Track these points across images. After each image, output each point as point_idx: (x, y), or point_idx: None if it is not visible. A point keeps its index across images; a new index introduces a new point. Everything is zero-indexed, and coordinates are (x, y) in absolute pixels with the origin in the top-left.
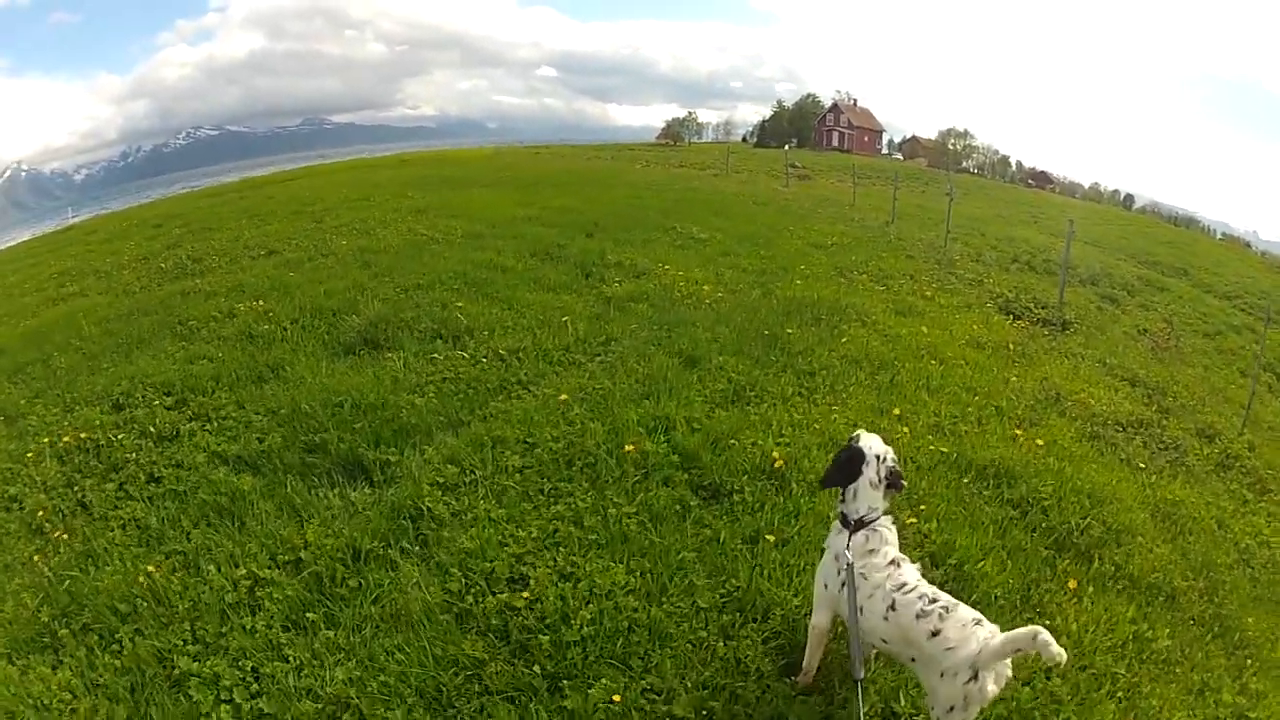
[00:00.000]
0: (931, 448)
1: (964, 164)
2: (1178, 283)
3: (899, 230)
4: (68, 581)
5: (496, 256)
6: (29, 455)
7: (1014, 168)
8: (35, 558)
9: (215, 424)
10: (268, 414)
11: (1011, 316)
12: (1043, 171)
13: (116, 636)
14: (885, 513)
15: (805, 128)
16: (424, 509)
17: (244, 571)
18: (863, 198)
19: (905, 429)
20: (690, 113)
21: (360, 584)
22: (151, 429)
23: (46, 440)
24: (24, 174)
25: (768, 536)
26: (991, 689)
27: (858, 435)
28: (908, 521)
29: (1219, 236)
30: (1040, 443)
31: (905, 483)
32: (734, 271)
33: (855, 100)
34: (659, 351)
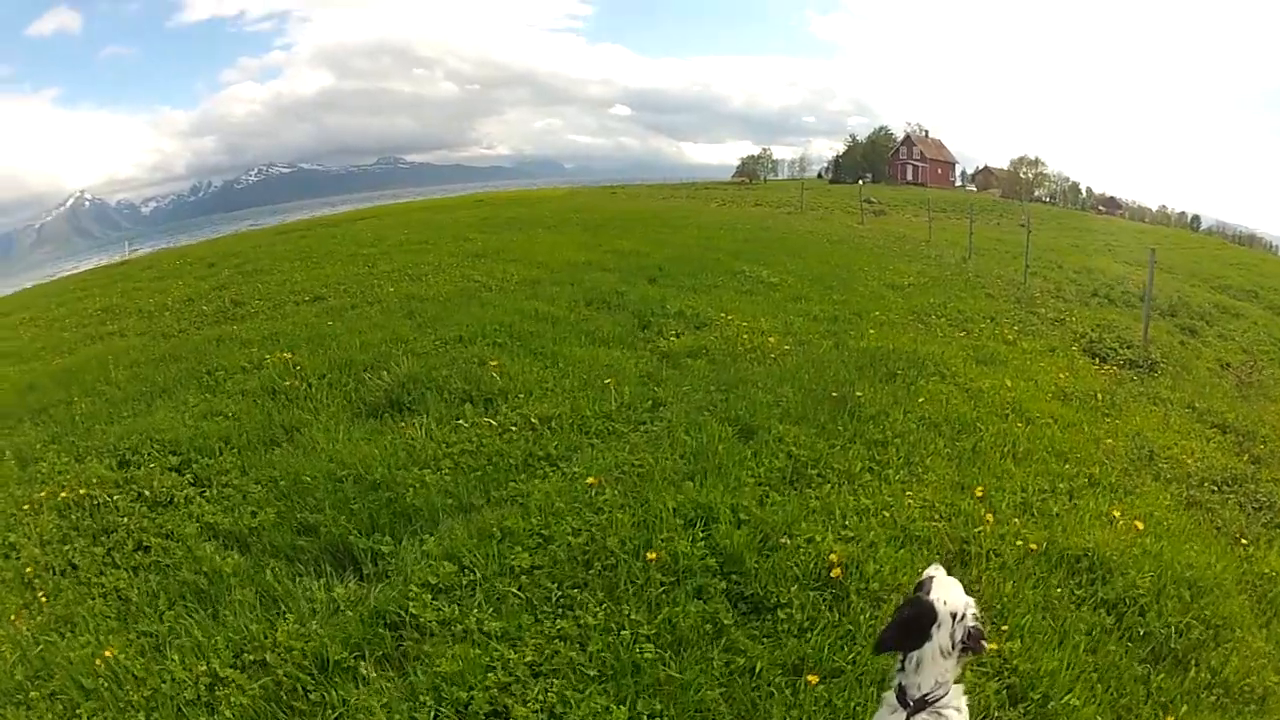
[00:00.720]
0: (1019, 539)
1: (1036, 193)
2: (1250, 307)
3: (976, 266)
4: (42, 645)
5: (549, 306)
6: (30, 505)
7: (1084, 194)
8: (14, 618)
9: (215, 491)
10: (269, 484)
11: (1097, 359)
12: (1112, 197)
13: (78, 711)
14: (956, 680)
15: (879, 161)
16: (408, 616)
17: (205, 667)
18: (938, 232)
19: (989, 514)
20: (765, 149)
21: (323, 698)
22: (148, 492)
23: (48, 491)
24: (88, 203)
25: (809, 677)
26: None
27: (930, 579)
28: (989, 648)
29: None
30: (1139, 525)
31: (988, 642)
32: (804, 319)
33: (927, 131)
34: (712, 419)
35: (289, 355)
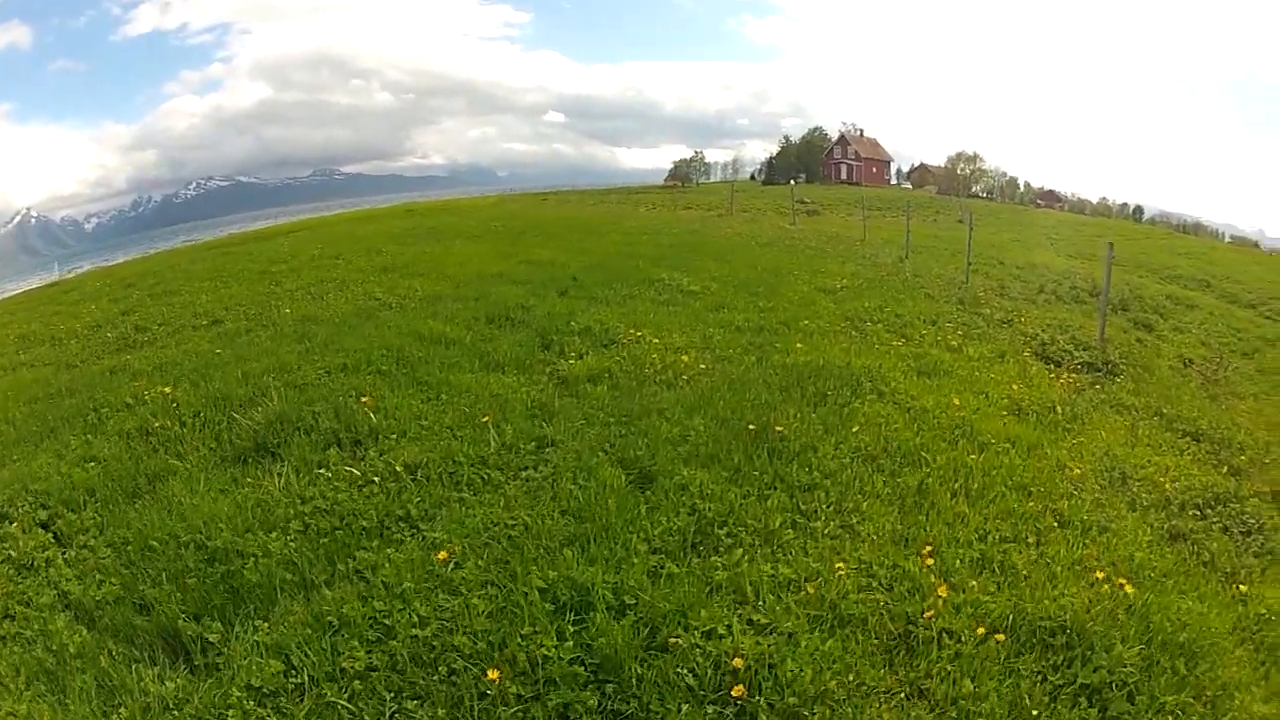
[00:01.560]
0: (979, 611)
1: (974, 188)
2: (1203, 296)
3: (914, 265)
4: None
5: (446, 326)
6: None
7: (1022, 189)
8: None
9: (73, 553)
10: (120, 547)
11: (1051, 364)
12: (1051, 190)
13: None
14: None
15: (813, 162)
16: None
17: None
18: (874, 231)
19: (940, 581)
20: (697, 153)
21: None
22: (14, 553)
23: None
24: (34, 220)
25: None
26: None
27: None
28: None
29: (1228, 239)
30: (1125, 584)
31: None
32: (725, 331)
33: (862, 131)
34: (606, 461)
35: (168, 390)
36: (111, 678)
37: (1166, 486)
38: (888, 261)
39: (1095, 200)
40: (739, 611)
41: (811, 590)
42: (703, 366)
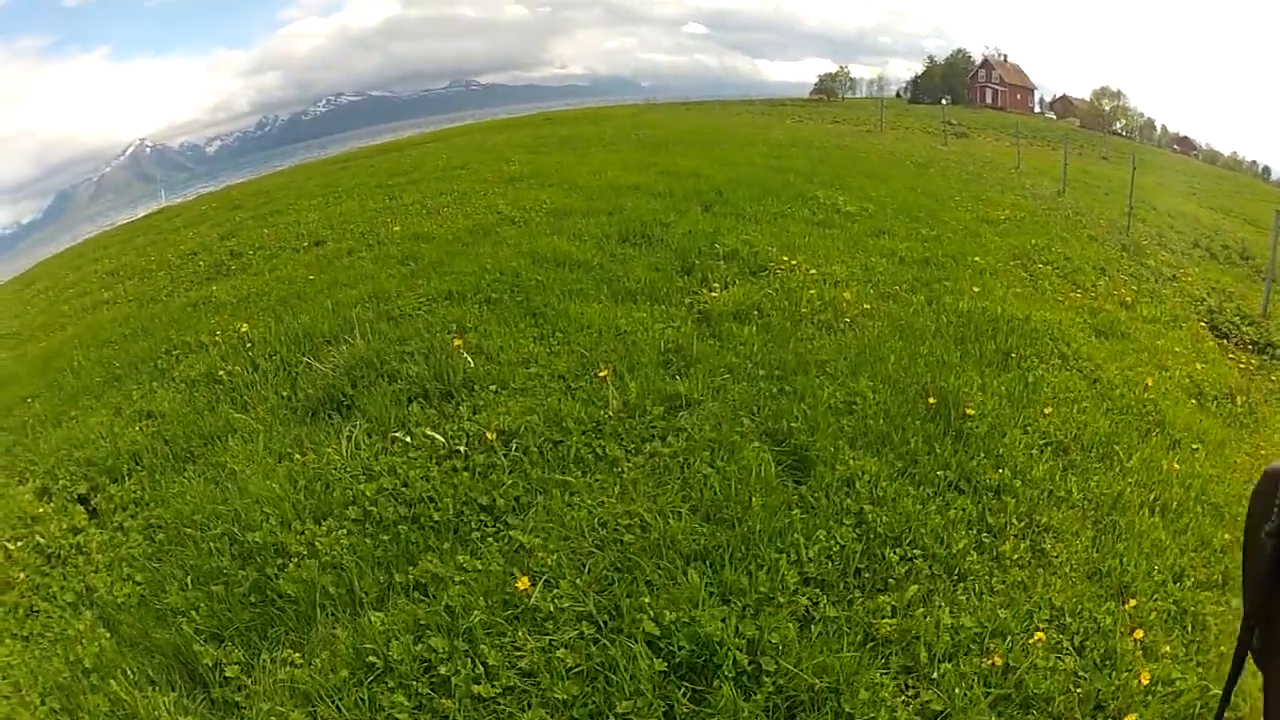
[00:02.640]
0: (1169, 684)
1: (1115, 125)
2: None
3: (1073, 201)
4: None
5: (572, 245)
6: None
7: (1159, 131)
8: None
9: (106, 535)
10: (154, 531)
11: (1219, 336)
12: (1186, 137)
13: None
14: None
15: (958, 84)
16: None
17: None
18: (1026, 159)
19: (1137, 651)
20: (842, 68)
21: None
22: (42, 539)
23: None
24: (149, 150)
25: None
26: None
27: None
28: None
29: None
30: None
31: None
32: (888, 262)
33: (1005, 56)
34: (752, 433)
35: (244, 327)
36: (125, 704)
37: None
38: (1046, 194)
39: (1226, 153)
40: (906, 681)
41: (998, 659)
42: (866, 306)
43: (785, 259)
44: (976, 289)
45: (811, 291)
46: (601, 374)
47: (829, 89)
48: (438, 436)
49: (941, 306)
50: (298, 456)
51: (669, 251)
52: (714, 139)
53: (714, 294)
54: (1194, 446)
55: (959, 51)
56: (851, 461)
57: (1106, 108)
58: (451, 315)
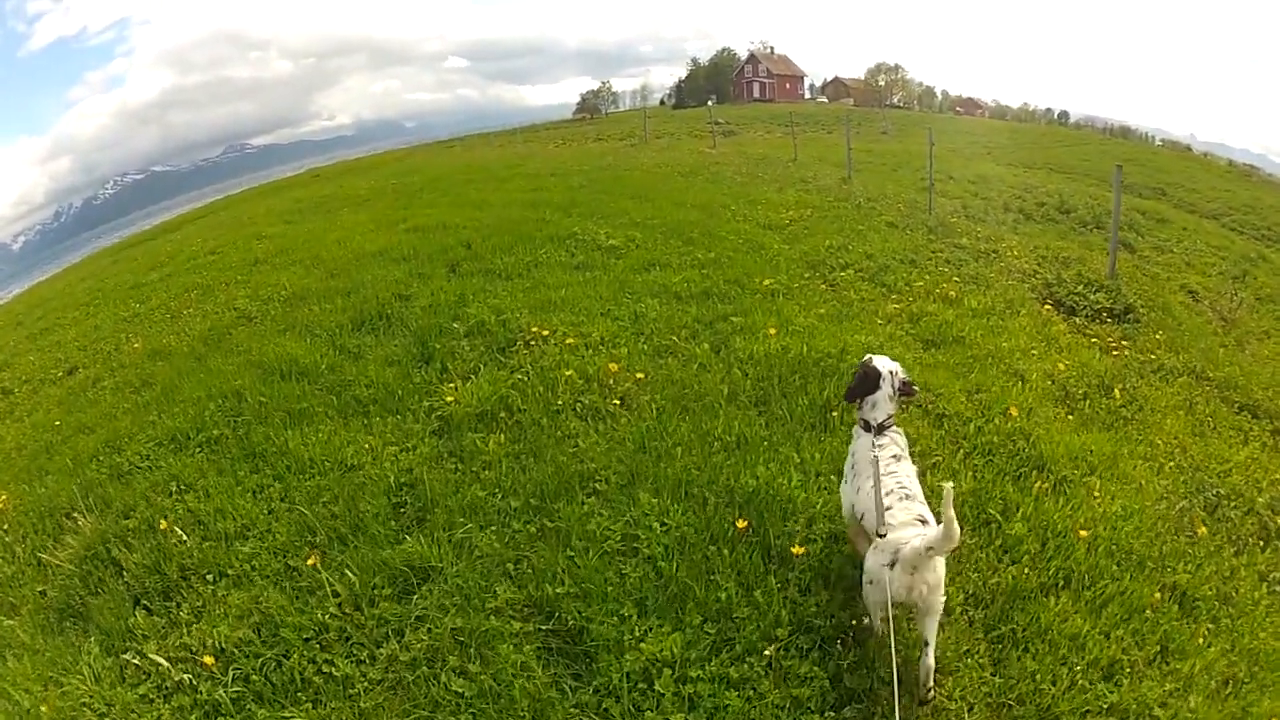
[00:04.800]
0: None
1: (892, 99)
2: (1165, 208)
3: (861, 186)
4: None
5: (300, 346)
6: None
7: (940, 97)
8: None
9: None
10: None
11: (1066, 312)
12: (970, 98)
13: None
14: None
15: (724, 83)
16: None
17: None
18: (803, 149)
19: None
20: (604, 83)
21: None
22: None
23: None
24: None
25: None
26: (903, 580)
27: (869, 357)
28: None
29: (1158, 142)
30: None
31: (917, 388)
32: (662, 302)
33: (772, 48)
34: (511, 613)
35: (3, 498)
36: None
37: (1257, 501)
38: (831, 184)
39: (1016, 106)
40: None
41: None
42: (639, 375)
43: (539, 325)
44: (772, 323)
45: (569, 371)
46: (309, 560)
47: (591, 106)
48: (162, 661)
49: (733, 354)
50: (49, 690)
51: (407, 335)
52: (470, 179)
53: (456, 388)
54: (1081, 477)
55: (724, 50)
56: (645, 642)
57: (882, 83)
58: (173, 469)
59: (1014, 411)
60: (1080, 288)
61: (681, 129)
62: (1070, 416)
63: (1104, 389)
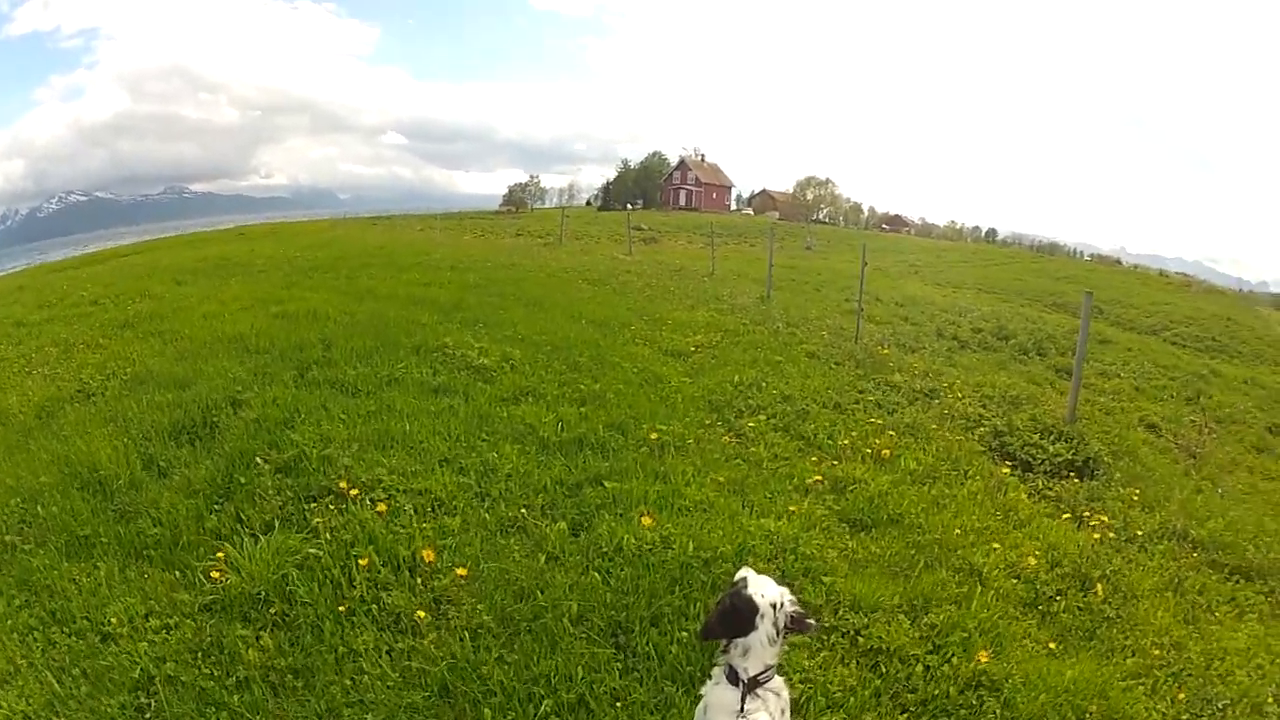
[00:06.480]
0: None
1: (819, 214)
2: (1105, 327)
3: (781, 306)
4: None
5: (113, 447)
6: None
7: (866, 213)
8: None
9: None
10: None
11: (1020, 468)
12: (896, 215)
13: None
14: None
15: (651, 187)
16: None
17: None
18: (721, 261)
19: None
20: (533, 177)
21: None
22: None
23: None
24: None
25: None
26: None
27: (744, 579)
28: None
29: (1087, 258)
30: None
31: (814, 621)
32: (521, 452)
33: (703, 156)
34: None
35: None
36: None
37: (1266, 701)
38: (748, 303)
39: (943, 224)
40: None
41: None
42: (459, 571)
43: (364, 471)
44: (654, 494)
45: (374, 546)
46: None
47: (518, 200)
48: None
49: (595, 542)
50: None
51: (219, 458)
52: (369, 263)
53: (244, 548)
54: None
55: (655, 154)
56: None
57: (810, 196)
58: None
59: (983, 657)
60: (1035, 437)
61: (603, 231)
62: (1043, 631)
63: (1080, 582)
